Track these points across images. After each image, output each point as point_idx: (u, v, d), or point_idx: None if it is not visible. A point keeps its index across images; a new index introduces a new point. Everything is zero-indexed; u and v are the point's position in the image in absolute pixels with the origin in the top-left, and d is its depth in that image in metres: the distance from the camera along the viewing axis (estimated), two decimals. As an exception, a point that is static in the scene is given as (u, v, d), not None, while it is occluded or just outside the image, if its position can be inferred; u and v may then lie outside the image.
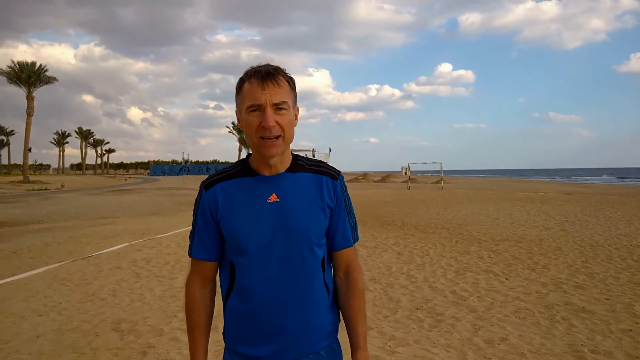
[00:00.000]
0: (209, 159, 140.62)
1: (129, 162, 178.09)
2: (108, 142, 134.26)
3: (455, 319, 4.52)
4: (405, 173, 47.74)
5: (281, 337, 1.38)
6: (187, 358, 3.51)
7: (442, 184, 36.36)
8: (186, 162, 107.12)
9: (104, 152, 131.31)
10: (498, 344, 3.87)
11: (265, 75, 1.32)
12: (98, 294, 5.26)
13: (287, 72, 1.39)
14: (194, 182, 52.27)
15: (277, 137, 1.32)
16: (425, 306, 4.92)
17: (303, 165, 1.45)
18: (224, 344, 1.45)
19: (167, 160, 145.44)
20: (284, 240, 1.37)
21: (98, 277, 6.07)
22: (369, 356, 1.48)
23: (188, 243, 1.45)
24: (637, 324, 4.37)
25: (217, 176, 1.43)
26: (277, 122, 1.31)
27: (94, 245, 8.61)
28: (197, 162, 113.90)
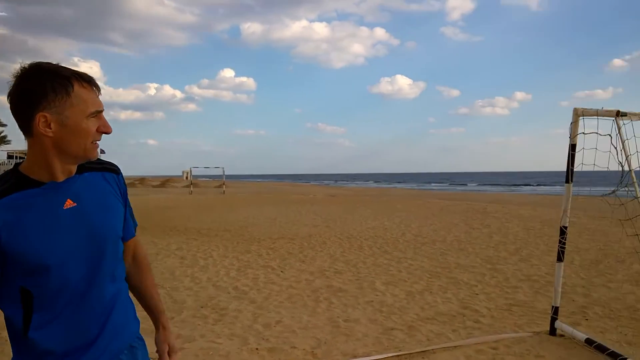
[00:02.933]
0: None
1: None
2: None
3: (237, 311, 4.98)
4: (187, 177, 47.02)
5: (104, 342, 1.36)
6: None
7: (224, 188, 37.12)
8: None
9: None
10: (274, 326, 4.48)
11: (93, 80, 1.30)
12: None
13: None
14: None
15: None
16: (209, 303, 5.25)
17: (83, 164, 1.37)
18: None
19: None
20: (90, 245, 1.31)
21: None
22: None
23: None
24: (377, 295, 5.57)
25: None
26: None
27: None
28: None
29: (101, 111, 1.30)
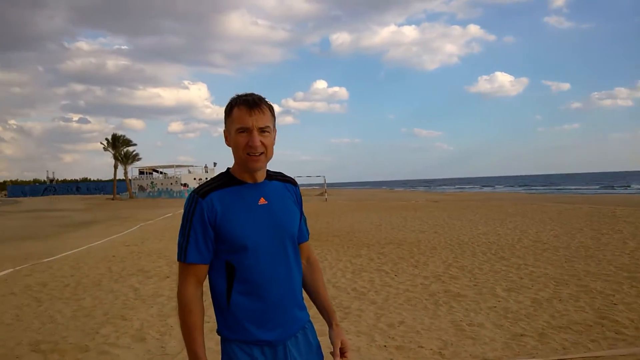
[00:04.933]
0: (78, 177, 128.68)
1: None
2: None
3: (360, 310, 5.18)
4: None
5: (281, 318, 1.63)
6: (123, 367, 3.65)
7: (326, 196, 37.91)
8: (51, 180, 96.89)
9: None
10: (398, 326, 4.60)
11: (253, 104, 1.59)
12: (1, 320, 4.98)
13: (267, 100, 1.67)
14: (65, 203, 47.55)
15: (261, 154, 1.60)
16: (333, 302, 5.51)
17: (272, 175, 1.74)
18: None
19: (28, 180, 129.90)
20: (274, 235, 1.62)
21: (-9, 305, 5.65)
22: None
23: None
24: (499, 302, 5.43)
25: (208, 187, 1.62)
26: (261, 142, 1.59)
27: (-31, 274, 7.80)
28: (64, 181, 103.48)
29: (246, 128, 1.59)
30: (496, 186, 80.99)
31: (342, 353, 1.73)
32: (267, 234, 1.62)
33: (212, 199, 1.59)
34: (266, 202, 1.64)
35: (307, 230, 1.86)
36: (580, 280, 6.38)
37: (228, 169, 1.70)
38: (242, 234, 1.58)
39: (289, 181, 1.79)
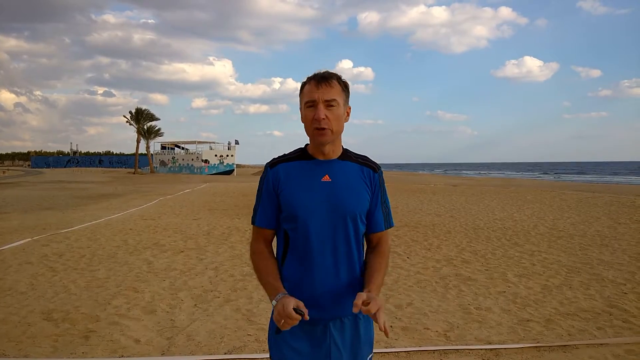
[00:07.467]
0: (101, 150, 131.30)
1: (3, 152, 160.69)
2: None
3: (367, 291, 5.18)
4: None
5: (327, 296, 1.61)
6: (132, 338, 3.76)
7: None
8: (74, 153, 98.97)
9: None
10: (405, 308, 4.61)
11: (321, 78, 1.60)
12: (15, 288, 5.12)
13: (342, 77, 1.66)
14: (87, 175, 48.56)
15: (327, 129, 1.59)
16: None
17: (350, 156, 1.71)
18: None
19: (52, 151, 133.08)
20: (332, 213, 1.61)
21: (9, 272, 5.83)
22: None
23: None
24: (509, 287, 5.39)
25: (280, 158, 1.71)
26: (327, 116, 1.59)
27: (-9, 242, 8.05)
28: (87, 154, 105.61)
29: (312, 101, 1.60)
30: (518, 172, 79.72)
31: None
32: (322, 210, 1.61)
33: (278, 169, 1.68)
34: (330, 180, 1.64)
35: (386, 221, 1.74)
36: (593, 268, 6.28)
37: (306, 145, 1.74)
38: (295, 204, 1.62)
39: (369, 166, 1.73)
